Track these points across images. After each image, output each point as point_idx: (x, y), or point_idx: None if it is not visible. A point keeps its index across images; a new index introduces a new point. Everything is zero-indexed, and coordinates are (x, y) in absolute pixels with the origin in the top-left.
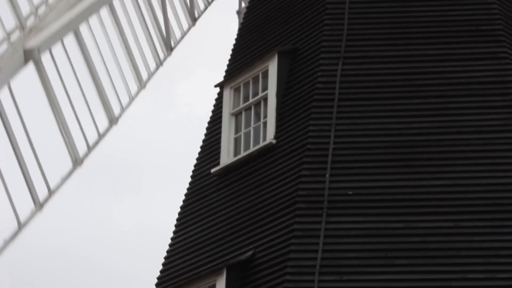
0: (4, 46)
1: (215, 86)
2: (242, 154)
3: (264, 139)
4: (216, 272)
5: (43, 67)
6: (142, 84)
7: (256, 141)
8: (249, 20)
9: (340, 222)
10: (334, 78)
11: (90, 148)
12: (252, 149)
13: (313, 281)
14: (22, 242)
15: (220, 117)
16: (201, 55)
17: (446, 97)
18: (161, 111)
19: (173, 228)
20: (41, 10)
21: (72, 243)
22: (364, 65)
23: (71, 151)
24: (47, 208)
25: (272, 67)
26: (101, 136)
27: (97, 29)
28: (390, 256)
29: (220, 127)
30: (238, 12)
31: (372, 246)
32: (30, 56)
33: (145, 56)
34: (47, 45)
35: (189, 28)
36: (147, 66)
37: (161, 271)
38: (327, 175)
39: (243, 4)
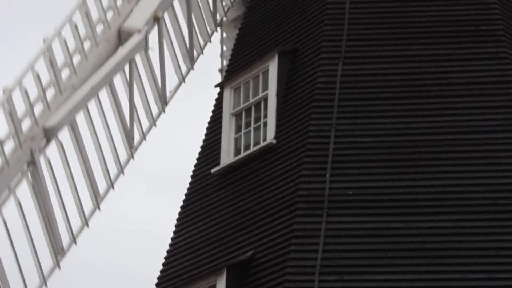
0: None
1: (215, 86)
2: (242, 154)
3: (264, 139)
4: (216, 272)
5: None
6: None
7: (256, 141)
8: (249, 20)
9: (340, 222)
10: (334, 78)
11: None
12: (252, 149)
13: (313, 281)
14: None
15: (220, 117)
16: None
17: (446, 97)
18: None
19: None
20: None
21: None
22: (365, 65)
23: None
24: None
25: (272, 67)
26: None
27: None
28: (390, 256)
29: (220, 127)
30: (220, 70)
31: (372, 246)
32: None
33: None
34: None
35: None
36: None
37: (161, 271)
38: (327, 175)
39: (225, 63)
